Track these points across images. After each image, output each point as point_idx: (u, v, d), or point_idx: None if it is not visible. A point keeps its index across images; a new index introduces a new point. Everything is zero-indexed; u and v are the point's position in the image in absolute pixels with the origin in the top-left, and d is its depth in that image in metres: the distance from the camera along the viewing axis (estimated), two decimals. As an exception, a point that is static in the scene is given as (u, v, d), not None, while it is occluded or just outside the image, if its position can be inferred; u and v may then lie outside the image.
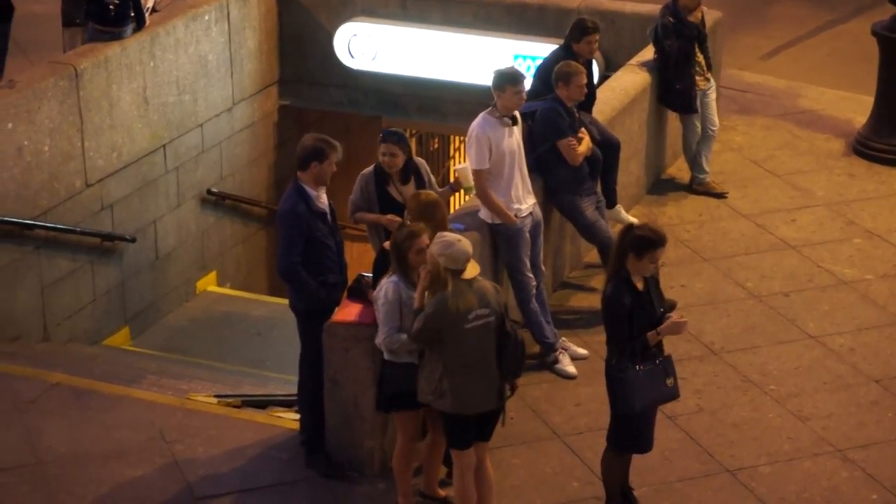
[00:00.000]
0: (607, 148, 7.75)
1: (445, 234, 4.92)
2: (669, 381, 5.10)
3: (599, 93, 8.78)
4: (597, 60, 9.10)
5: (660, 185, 9.87)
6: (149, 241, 9.82)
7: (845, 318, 8.01)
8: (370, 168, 6.35)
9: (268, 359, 8.67)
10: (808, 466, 6.05)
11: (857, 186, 10.03)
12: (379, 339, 4.92)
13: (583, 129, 7.21)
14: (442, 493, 5.47)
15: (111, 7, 9.37)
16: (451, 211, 7.37)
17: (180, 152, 10.29)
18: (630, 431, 5.13)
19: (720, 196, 9.59)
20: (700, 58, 9.45)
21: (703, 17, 9.53)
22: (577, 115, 7.41)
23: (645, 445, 5.19)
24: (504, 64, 7.68)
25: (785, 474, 5.98)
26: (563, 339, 6.98)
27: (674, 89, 9.43)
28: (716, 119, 9.75)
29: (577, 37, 7.93)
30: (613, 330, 4.96)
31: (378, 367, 5.26)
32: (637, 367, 4.94)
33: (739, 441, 6.23)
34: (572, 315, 7.65)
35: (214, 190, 10.73)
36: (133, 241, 9.22)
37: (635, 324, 4.89)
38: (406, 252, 4.74)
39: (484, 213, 6.37)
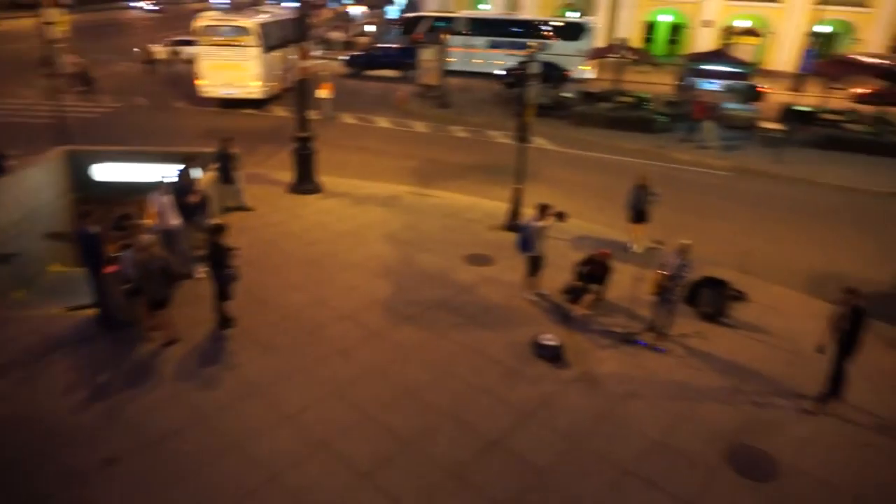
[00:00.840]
0: (205, 199, 11.28)
1: (142, 236, 8.53)
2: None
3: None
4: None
5: (226, 211, 13.34)
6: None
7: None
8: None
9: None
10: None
11: (289, 202, 14.52)
12: (126, 272, 8.30)
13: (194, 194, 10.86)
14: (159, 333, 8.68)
15: None
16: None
17: None
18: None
19: (250, 209, 13.50)
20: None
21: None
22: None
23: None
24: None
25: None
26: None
27: (230, 181, 13.28)
28: (242, 185, 13.64)
29: None
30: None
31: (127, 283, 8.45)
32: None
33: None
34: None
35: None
36: None
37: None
38: (130, 245, 8.32)
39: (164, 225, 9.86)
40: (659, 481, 7.02)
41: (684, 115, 23.25)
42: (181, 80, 29.71)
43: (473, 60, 33.62)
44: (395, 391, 8.27)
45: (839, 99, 31.86)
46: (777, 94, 31.74)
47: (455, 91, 29.21)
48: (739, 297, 11.16)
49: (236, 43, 24.16)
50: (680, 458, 7.39)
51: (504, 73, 31.77)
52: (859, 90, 34.06)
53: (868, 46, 40.89)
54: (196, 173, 12.35)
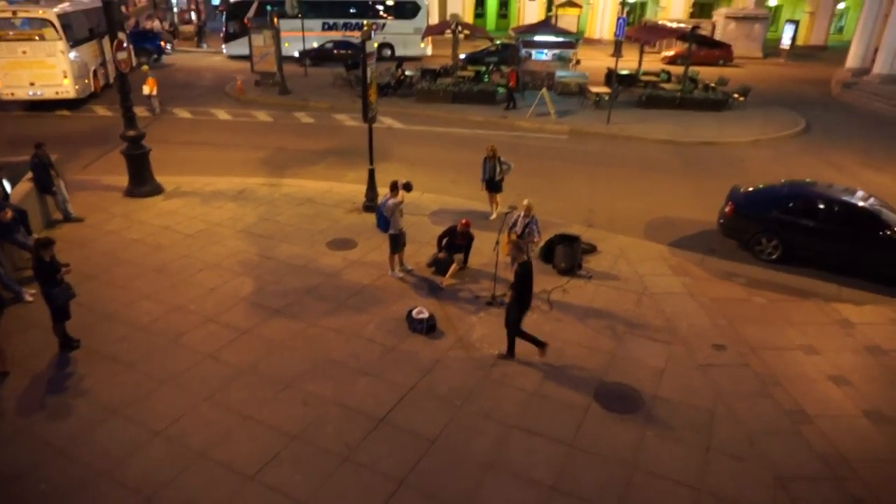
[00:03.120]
0: (21, 213, 10.40)
1: None
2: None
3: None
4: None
5: (52, 224, 12.46)
6: None
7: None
8: None
9: None
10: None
11: (127, 207, 13.36)
12: None
13: (7, 209, 9.64)
14: None
15: None
16: None
17: None
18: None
19: (80, 220, 12.26)
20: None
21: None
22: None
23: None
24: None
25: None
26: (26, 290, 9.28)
27: (50, 191, 12.10)
28: (66, 194, 12.33)
29: None
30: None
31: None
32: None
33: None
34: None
35: None
36: None
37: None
38: None
39: None
40: (539, 429, 7.44)
41: (503, 85, 24.57)
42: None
43: (311, 44, 32.69)
44: (273, 387, 7.98)
45: (653, 61, 35.19)
46: (601, 60, 34.22)
47: (294, 76, 28.32)
48: (591, 249, 12.03)
49: (34, 37, 21.42)
50: (554, 404, 7.88)
51: (297, 53, 31.33)
52: (668, 52, 37.87)
53: (670, 13, 45.27)
54: (6, 186, 11.52)
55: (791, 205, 11.94)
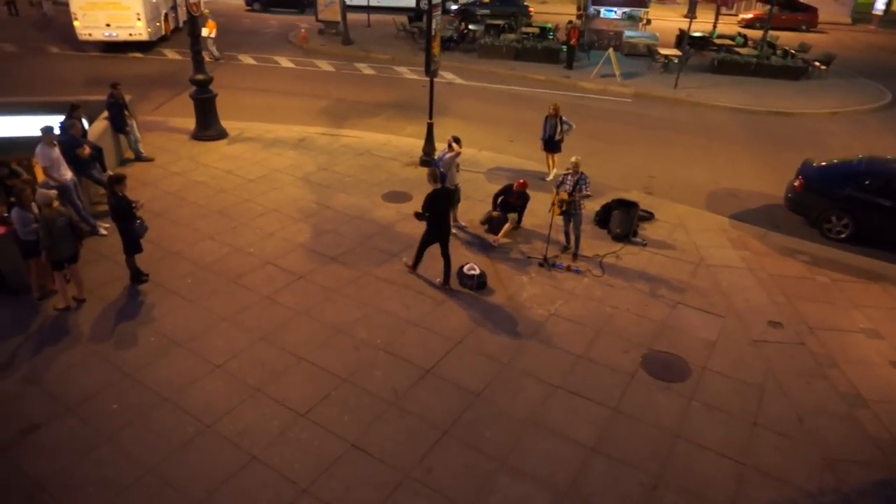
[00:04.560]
0: (97, 150, 10.93)
1: (42, 191, 7.69)
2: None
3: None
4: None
5: (124, 163, 13.02)
6: None
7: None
8: None
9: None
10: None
11: (193, 149, 13.83)
12: (24, 231, 7.57)
13: (85, 146, 10.16)
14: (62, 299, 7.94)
15: None
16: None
17: None
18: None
19: (150, 160, 12.91)
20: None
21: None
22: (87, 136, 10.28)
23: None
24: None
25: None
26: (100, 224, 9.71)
27: (123, 130, 12.69)
28: (138, 134, 12.90)
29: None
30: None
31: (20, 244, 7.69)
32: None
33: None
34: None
35: None
36: None
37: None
38: (19, 203, 7.57)
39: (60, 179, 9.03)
40: (583, 391, 7.48)
41: (564, 42, 23.66)
42: (55, 23, 27.33)
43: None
44: (326, 331, 8.25)
45: (729, 24, 33.42)
46: (673, 21, 32.72)
47: (357, 26, 28.20)
48: (648, 217, 11.78)
49: None
50: (601, 368, 7.88)
51: None
52: (746, 15, 35.86)
53: (753, -28, 42.51)
54: (84, 124, 11.71)
55: (867, 182, 11.34)
